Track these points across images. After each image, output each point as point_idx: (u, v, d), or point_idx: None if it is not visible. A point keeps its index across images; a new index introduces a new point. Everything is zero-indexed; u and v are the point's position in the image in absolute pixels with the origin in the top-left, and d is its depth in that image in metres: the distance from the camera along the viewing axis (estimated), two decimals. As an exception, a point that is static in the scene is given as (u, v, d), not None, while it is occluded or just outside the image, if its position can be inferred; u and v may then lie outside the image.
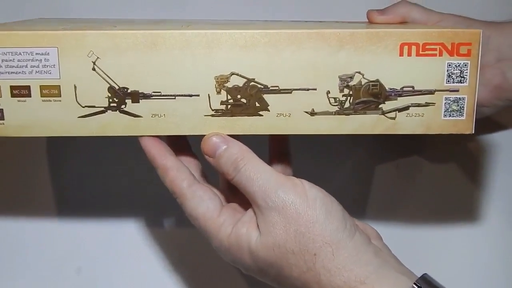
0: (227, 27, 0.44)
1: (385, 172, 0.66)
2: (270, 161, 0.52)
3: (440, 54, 0.43)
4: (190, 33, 0.42)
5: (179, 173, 0.46)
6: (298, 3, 0.65)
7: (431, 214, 0.66)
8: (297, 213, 0.42)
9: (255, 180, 0.43)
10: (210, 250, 0.47)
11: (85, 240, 0.65)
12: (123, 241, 0.65)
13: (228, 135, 0.45)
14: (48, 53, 0.42)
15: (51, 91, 0.43)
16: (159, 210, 0.65)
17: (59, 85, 0.43)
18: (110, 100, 0.43)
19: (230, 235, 0.45)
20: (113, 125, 0.44)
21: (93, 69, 0.42)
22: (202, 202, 0.45)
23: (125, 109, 0.43)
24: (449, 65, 0.43)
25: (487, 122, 0.63)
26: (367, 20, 0.57)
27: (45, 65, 0.42)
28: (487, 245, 0.67)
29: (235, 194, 0.48)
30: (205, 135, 0.45)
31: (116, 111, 0.43)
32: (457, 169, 0.66)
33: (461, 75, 0.43)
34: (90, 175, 0.65)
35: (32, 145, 0.64)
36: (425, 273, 0.43)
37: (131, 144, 0.47)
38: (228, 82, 0.43)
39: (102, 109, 0.43)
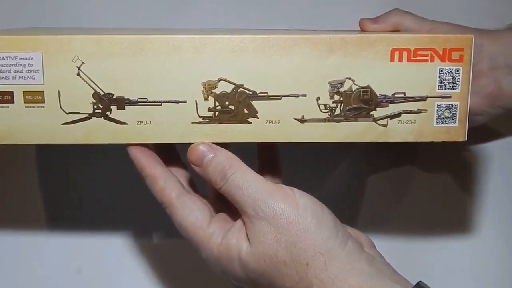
0: (215, 32, 0.43)
1: (378, 181, 0.65)
2: (259, 171, 0.51)
3: (432, 60, 0.42)
4: (177, 38, 0.41)
5: (168, 183, 0.45)
6: (292, 14, 0.64)
7: (424, 224, 0.66)
8: (288, 222, 0.42)
9: (244, 189, 0.42)
10: (200, 261, 0.46)
11: (75, 251, 0.64)
12: (112, 253, 0.64)
13: (216, 143, 0.44)
14: (32, 58, 0.41)
15: (34, 97, 0.42)
16: (149, 221, 0.64)
17: (43, 91, 0.42)
18: (95, 106, 0.42)
19: (220, 246, 0.44)
20: (98, 132, 0.43)
21: (78, 74, 0.42)
22: (192, 213, 0.45)
23: (110, 115, 0.42)
24: (441, 71, 0.42)
25: (481, 131, 0.63)
26: (360, 29, 0.57)
27: (28, 70, 0.41)
28: (480, 256, 0.66)
29: (225, 204, 0.47)
30: (192, 143, 0.44)
31: (101, 117, 0.42)
32: (450, 179, 0.66)
33: (453, 81, 0.42)
34: (79, 185, 0.64)
35: (20, 154, 0.63)
36: (420, 281, 0.42)
37: (120, 152, 0.46)
38: (216, 88, 0.42)
39: (87, 115, 0.42)
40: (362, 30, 0.56)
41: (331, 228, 0.42)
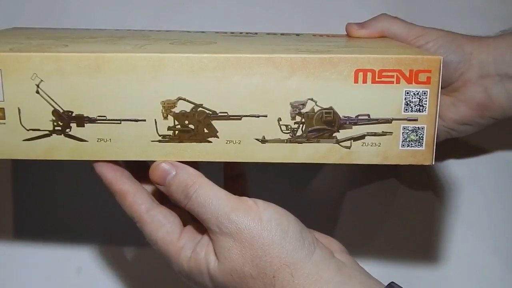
0: (174, 50, 0.42)
1: (359, 194, 0.64)
2: (224, 184, 0.51)
3: (398, 82, 0.41)
4: (134, 57, 0.41)
5: (137, 198, 0.45)
6: (287, 15, 0.63)
7: (403, 244, 0.64)
8: (252, 237, 0.41)
9: (206, 206, 0.42)
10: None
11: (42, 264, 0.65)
12: (79, 265, 0.64)
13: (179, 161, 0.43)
14: None
15: None
16: (121, 232, 0.64)
17: (3, 108, 0.42)
18: (55, 123, 0.42)
19: (189, 259, 0.44)
20: (59, 149, 0.43)
21: (37, 92, 0.41)
22: (162, 227, 0.44)
23: (70, 133, 0.42)
24: (407, 93, 0.41)
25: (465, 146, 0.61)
26: (346, 34, 0.55)
27: None
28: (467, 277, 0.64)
29: (196, 215, 0.46)
30: (153, 161, 0.43)
31: (61, 135, 0.42)
32: (433, 196, 0.63)
33: (420, 104, 0.41)
34: (51, 197, 0.64)
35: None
36: (392, 281, 0.42)
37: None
38: (175, 107, 0.42)
39: (47, 132, 0.42)
40: (349, 35, 0.55)
41: (297, 238, 0.42)
